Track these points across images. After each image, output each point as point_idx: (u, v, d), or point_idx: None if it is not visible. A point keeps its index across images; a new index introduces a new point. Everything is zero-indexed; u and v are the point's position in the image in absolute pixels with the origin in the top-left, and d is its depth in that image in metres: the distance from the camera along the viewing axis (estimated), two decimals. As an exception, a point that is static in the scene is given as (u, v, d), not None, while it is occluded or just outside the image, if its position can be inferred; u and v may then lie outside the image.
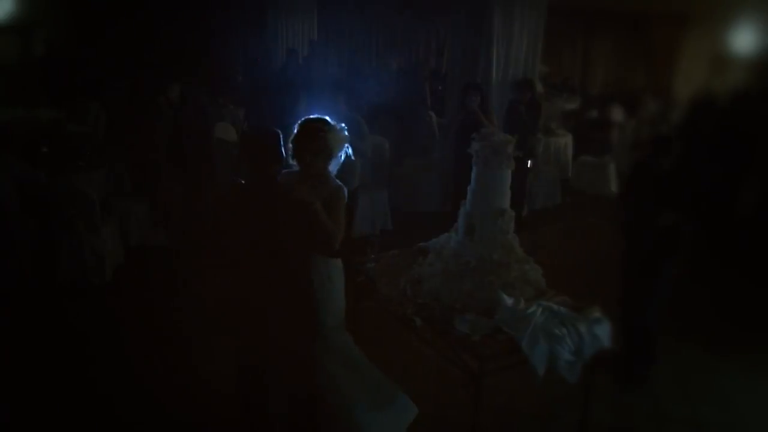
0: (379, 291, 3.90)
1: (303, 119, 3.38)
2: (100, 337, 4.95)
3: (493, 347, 3.27)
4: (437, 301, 3.66)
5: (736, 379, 4.62)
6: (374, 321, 4.22)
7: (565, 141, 9.61)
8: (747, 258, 5.82)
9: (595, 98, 11.73)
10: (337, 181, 3.34)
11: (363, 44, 13.32)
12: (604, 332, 3.53)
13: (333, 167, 3.43)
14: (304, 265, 3.23)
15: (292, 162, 3.34)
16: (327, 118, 3.39)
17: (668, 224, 4.24)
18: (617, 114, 10.12)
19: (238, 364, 3.43)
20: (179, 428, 3.93)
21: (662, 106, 8.58)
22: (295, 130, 3.34)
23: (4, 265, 5.62)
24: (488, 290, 3.56)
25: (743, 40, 5.87)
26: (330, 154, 3.34)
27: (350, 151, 3.52)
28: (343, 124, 3.44)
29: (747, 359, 4.84)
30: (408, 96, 9.30)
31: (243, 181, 3.19)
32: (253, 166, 3.12)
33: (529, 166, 7.46)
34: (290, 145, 3.30)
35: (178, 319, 5.08)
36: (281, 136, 3.16)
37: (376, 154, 7.54)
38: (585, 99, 11.82)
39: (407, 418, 3.63)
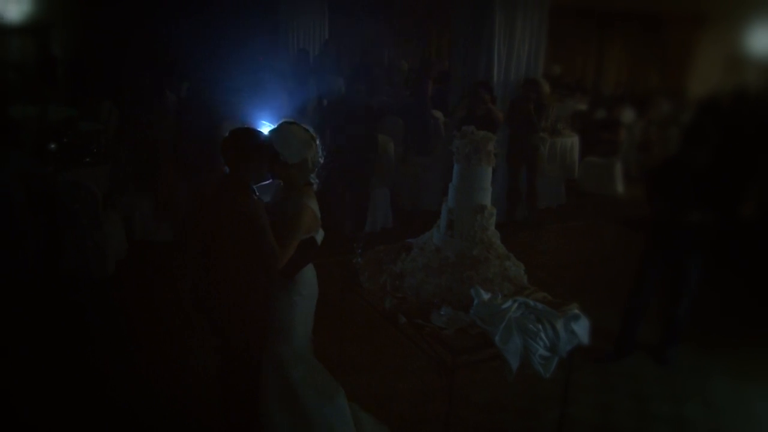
0: (361, 285, 3.95)
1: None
2: (98, 327, 5.07)
3: (467, 341, 3.31)
4: (416, 295, 3.70)
5: (726, 380, 4.61)
6: (360, 315, 4.30)
7: (572, 141, 9.60)
8: (744, 258, 5.79)
9: (606, 99, 11.71)
10: (308, 202, 3.17)
11: (374, 44, 13.38)
12: (581, 328, 3.55)
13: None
14: (257, 281, 3.12)
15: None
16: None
17: (700, 220, 4.36)
18: (627, 115, 10.10)
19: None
20: (179, 419, 3.99)
21: (675, 107, 8.58)
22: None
23: (10, 256, 5.80)
24: (466, 285, 3.59)
25: (759, 40, 5.85)
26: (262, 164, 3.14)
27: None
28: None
29: (739, 360, 4.82)
30: (415, 96, 9.37)
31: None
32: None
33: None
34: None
35: (175, 312, 5.18)
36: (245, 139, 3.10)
37: (381, 152, 7.63)
38: (597, 99, 11.79)
39: None
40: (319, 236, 3.23)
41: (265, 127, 3.27)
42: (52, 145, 6.64)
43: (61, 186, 5.85)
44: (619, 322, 4.89)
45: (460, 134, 3.73)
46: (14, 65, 10.22)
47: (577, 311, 3.58)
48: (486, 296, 3.50)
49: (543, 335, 3.38)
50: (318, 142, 3.29)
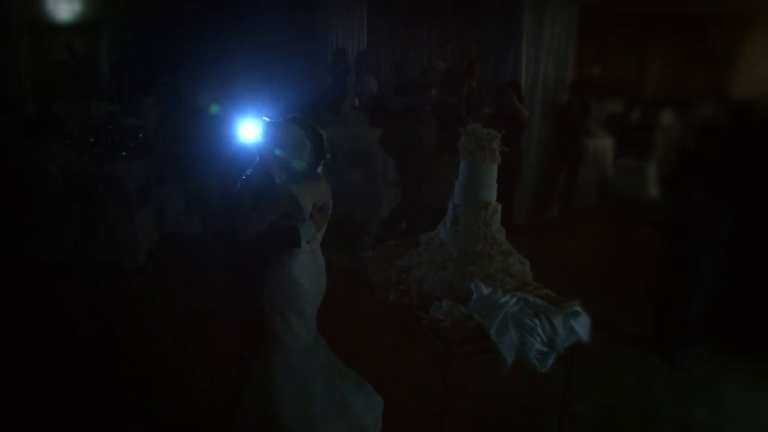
0: (368, 278, 4.07)
1: None
2: (125, 312, 5.30)
3: (463, 333, 3.38)
4: (420, 289, 3.79)
5: (739, 387, 4.56)
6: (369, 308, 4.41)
7: (605, 143, 9.50)
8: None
9: (646, 101, 11.54)
10: (291, 187, 3.25)
11: (412, 45, 13.48)
12: (581, 326, 3.58)
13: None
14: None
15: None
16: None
17: (710, 214, 4.44)
18: (666, 117, 9.94)
19: None
20: (204, 403, 4.11)
21: (718, 110, 8.44)
22: None
23: (49, 242, 6.12)
24: (468, 280, 3.67)
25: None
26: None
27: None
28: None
29: (754, 368, 4.76)
30: (451, 96, 9.45)
31: None
32: None
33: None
34: None
35: (202, 301, 5.37)
36: None
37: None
38: (634, 101, 11.62)
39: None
40: (307, 228, 3.31)
41: (265, 122, 3.35)
42: (91, 140, 6.96)
43: (97, 178, 6.12)
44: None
45: (466, 132, 3.81)
46: (62, 63, 10.65)
47: (577, 308, 3.62)
48: (486, 291, 3.58)
49: (540, 330, 3.43)
50: (321, 140, 3.36)
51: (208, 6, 11.49)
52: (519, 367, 3.40)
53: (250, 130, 3.58)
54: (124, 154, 6.87)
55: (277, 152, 3.25)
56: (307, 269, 3.37)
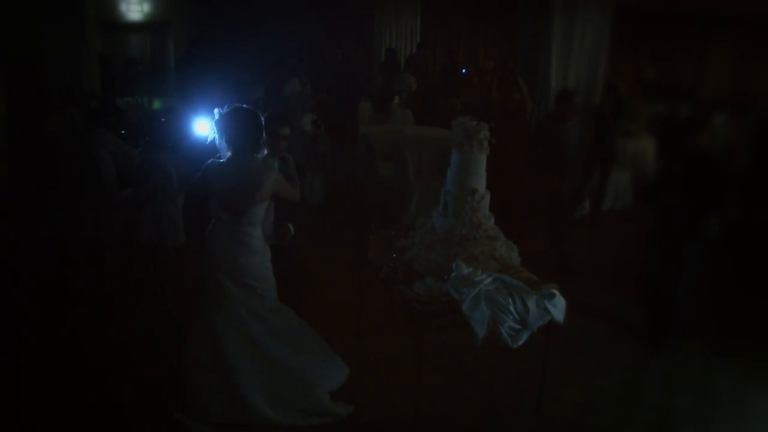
0: (368, 259, 4.40)
1: None
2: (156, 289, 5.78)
3: (436, 307, 3.67)
4: (410, 268, 4.10)
5: (725, 378, 4.64)
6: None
7: (646, 144, 9.47)
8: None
9: (699, 102, 11.36)
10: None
11: (467, 45, 13.69)
12: (556, 307, 3.80)
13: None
14: None
15: None
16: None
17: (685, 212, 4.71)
18: (719, 119, 9.81)
19: None
20: None
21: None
22: None
23: (100, 222, 6.74)
24: (452, 261, 3.95)
25: None
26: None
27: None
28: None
29: (743, 362, 4.83)
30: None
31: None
32: None
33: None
34: None
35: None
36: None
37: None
38: (687, 102, 11.47)
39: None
40: (213, 204, 3.70)
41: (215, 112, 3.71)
42: (144, 131, 7.59)
43: (145, 165, 6.70)
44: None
45: (456, 123, 4.09)
46: (130, 60, 11.41)
47: (553, 291, 3.84)
48: (467, 270, 3.84)
49: (512, 308, 3.67)
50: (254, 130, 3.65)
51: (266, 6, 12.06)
52: (510, 350, 3.68)
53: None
54: (169, 144, 7.40)
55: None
56: (219, 238, 3.72)
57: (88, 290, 5.55)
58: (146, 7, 12.38)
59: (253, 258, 3.72)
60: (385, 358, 4.60)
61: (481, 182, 4.11)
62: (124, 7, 12.13)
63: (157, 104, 8.48)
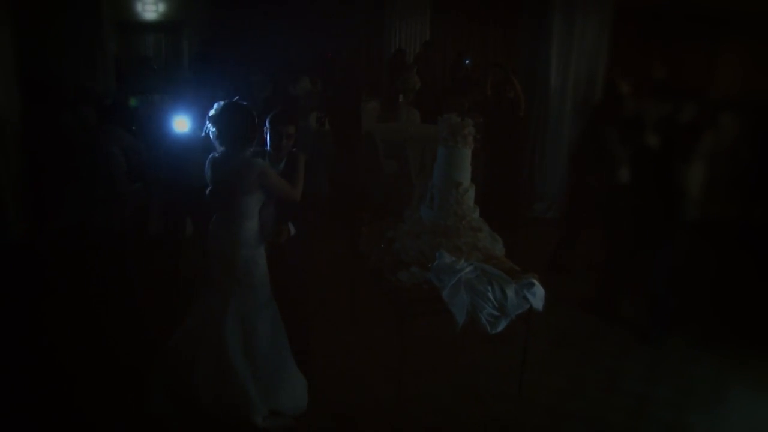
0: (359, 249, 4.60)
1: None
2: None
3: (418, 293, 3.86)
4: (398, 257, 4.29)
5: (708, 370, 4.76)
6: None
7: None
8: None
9: (705, 102, 11.38)
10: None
11: (478, 45, 13.82)
12: (535, 296, 3.96)
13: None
14: None
15: None
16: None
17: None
18: (725, 119, 9.86)
19: None
20: None
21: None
22: None
23: (112, 215, 6.99)
24: (437, 250, 4.13)
25: None
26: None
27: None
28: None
29: (730, 356, 4.94)
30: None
31: None
32: None
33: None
34: None
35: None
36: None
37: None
38: (691, 102, 11.49)
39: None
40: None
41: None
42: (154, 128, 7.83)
43: (153, 160, 6.93)
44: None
45: (441, 120, 4.27)
46: (144, 58, 11.70)
47: (533, 281, 4.00)
48: (449, 260, 4.02)
49: (491, 296, 3.85)
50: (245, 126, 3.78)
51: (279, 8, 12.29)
52: (494, 338, 3.89)
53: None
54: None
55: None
56: (214, 230, 3.91)
57: (102, 279, 5.80)
58: (161, 7, 12.67)
59: (242, 251, 3.80)
60: (374, 343, 4.79)
61: (465, 176, 4.28)
62: (140, 7, 12.43)
63: (133, 101, 8.68)
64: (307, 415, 4.00)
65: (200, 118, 4.54)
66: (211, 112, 3.80)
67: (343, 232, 5.47)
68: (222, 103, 3.80)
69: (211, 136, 3.80)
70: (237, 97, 3.93)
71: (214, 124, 3.76)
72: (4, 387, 4.17)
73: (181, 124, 4.40)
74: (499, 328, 3.89)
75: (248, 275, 3.84)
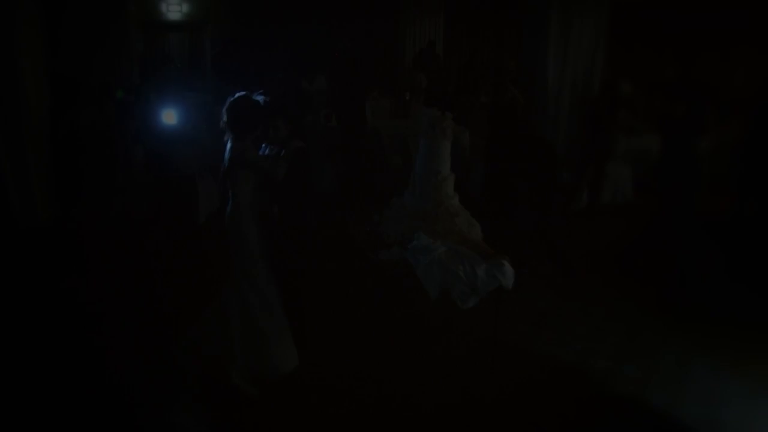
0: (349, 233, 5.01)
1: None
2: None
3: (397, 271, 4.24)
4: (382, 238, 4.67)
5: (679, 350, 4.99)
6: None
7: (650, 140, 9.76)
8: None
9: (710, 101, 11.51)
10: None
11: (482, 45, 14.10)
12: (504, 276, 4.31)
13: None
14: None
15: None
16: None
17: None
18: (725, 119, 10.02)
19: None
20: None
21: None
22: None
23: (131, 203, 7.50)
24: (416, 232, 4.51)
25: None
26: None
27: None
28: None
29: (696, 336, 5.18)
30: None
31: None
32: None
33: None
34: None
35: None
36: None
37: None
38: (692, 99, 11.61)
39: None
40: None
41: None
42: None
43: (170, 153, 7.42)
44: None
45: (423, 113, 4.65)
46: (167, 57, 12.18)
47: (504, 262, 4.35)
48: (426, 241, 4.40)
49: (462, 274, 4.21)
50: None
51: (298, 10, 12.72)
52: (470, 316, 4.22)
53: None
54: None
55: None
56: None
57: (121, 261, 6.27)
58: (185, 8, 13.19)
59: (239, 229, 4.18)
60: (358, 319, 5.11)
61: (444, 165, 4.66)
62: (164, 8, 12.96)
63: (120, 93, 9.12)
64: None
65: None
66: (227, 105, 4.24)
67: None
68: (233, 96, 4.21)
69: (221, 125, 4.23)
70: (254, 93, 4.29)
71: (223, 114, 4.19)
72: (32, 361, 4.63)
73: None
74: (470, 304, 4.25)
75: (244, 256, 4.22)
